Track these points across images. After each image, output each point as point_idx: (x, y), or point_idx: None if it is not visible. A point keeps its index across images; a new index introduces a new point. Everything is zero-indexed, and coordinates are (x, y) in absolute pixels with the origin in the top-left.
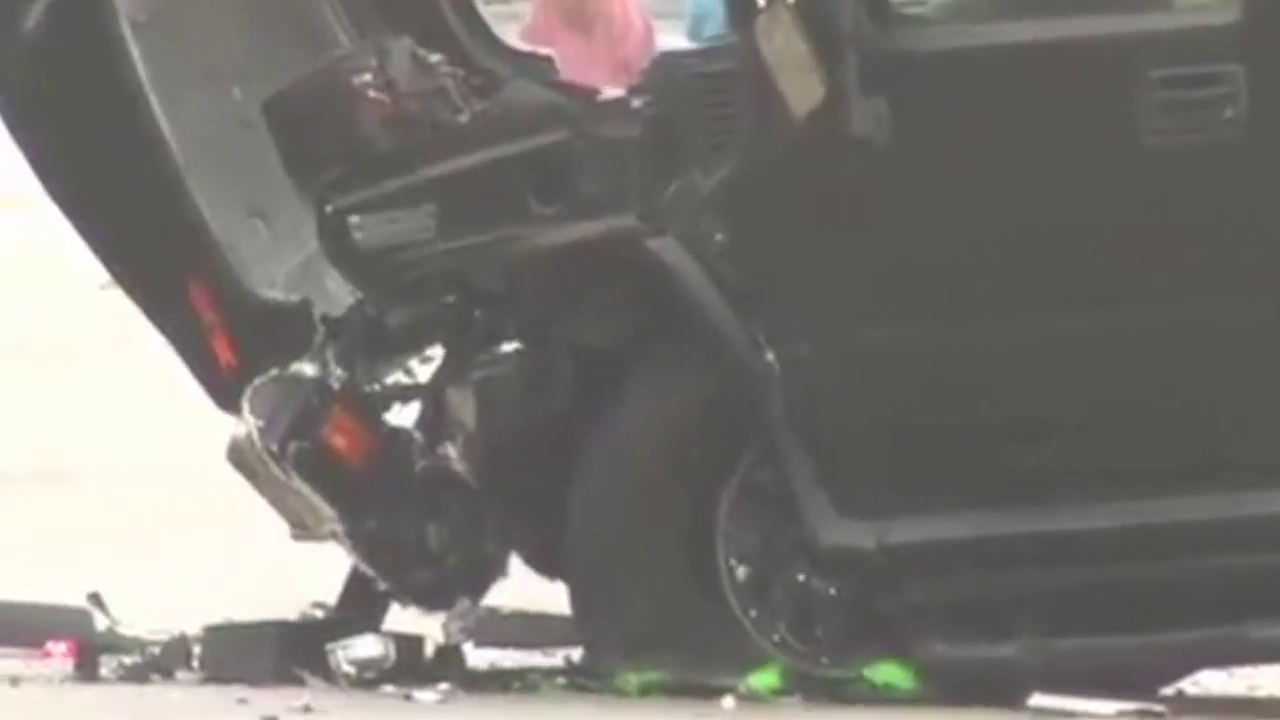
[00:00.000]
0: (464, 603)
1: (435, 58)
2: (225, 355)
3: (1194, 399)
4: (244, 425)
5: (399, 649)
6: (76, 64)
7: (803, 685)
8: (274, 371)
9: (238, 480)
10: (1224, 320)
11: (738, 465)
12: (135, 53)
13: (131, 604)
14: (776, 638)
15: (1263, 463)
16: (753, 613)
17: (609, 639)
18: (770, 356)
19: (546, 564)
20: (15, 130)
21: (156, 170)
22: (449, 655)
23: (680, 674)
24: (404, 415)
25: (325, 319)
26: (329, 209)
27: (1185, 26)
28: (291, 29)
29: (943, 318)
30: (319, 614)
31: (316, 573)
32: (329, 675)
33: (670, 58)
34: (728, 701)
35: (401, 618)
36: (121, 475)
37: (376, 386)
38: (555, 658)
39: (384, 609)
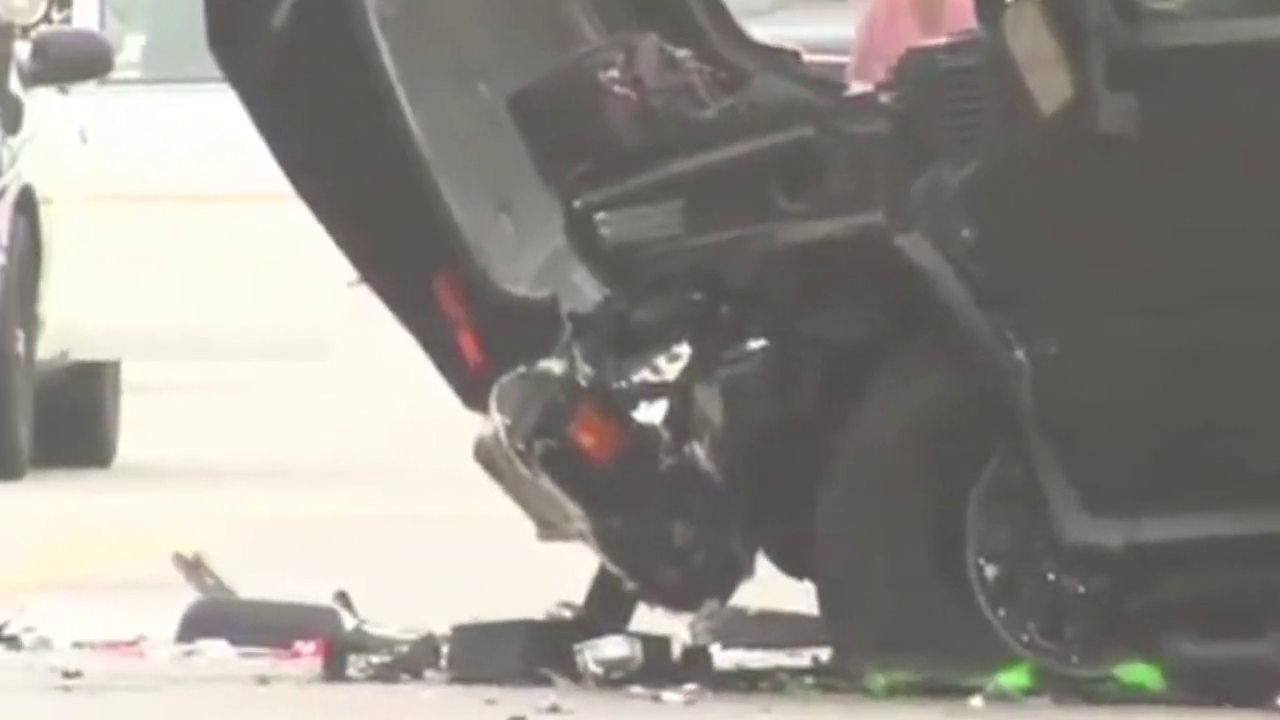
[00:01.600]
0: (711, 603)
1: (682, 53)
2: (472, 352)
3: None
4: (490, 423)
5: (646, 649)
6: (325, 61)
7: (1052, 685)
8: (521, 369)
9: (484, 479)
10: None
11: (986, 463)
12: (383, 49)
13: (379, 603)
14: (1025, 637)
15: None
16: (1001, 612)
17: (857, 639)
18: (1019, 353)
19: (794, 564)
20: (264, 128)
21: (404, 167)
22: (696, 656)
23: (928, 674)
24: (651, 413)
25: (572, 315)
26: (576, 205)
27: None
28: (539, 25)
29: (1192, 314)
30: (566, 614)
31: (563, 572)
32: (576, 675)
33: (918, 53)
34: (976, 701)
35: (649, 618)
36: (367, 473)
37: (623, 384)
38: (802, 658)
39: (631, 609)
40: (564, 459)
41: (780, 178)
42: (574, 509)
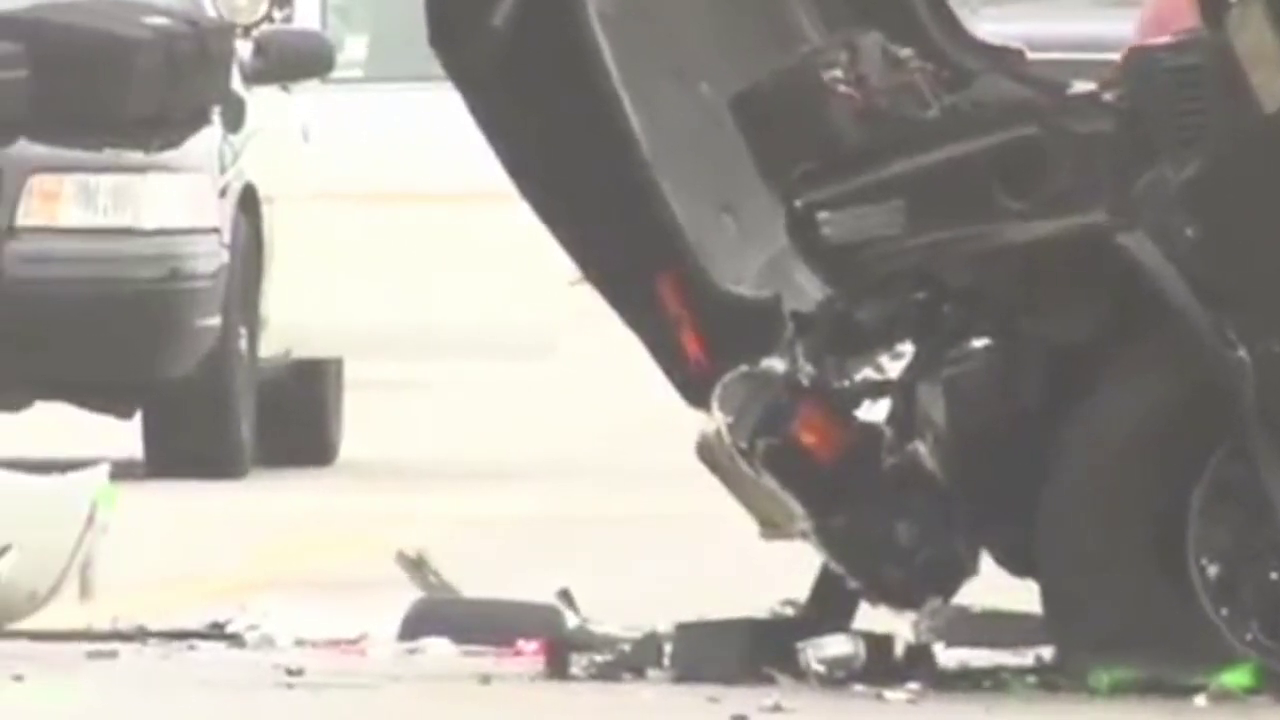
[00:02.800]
0: (934, 601)
1: (905, 52)
2: (694, 351)
3: None
4: (713, 422)
5: (869, 648)
6: (546, 60)
7: (1275, 685)
8: (743, 368)
9: (707, 477)
10: None
11: (1209, 462)
12: (605, 48)
13: (602, 601)
14: (1249, 636)
15: None
16: (1224, 611)
17: (1080, 637)
18: (1241, 352)
19: (1017, 562)
20: (486, 128)
21: (627, 167)
22: (919, 654)
23: (1152, 672)
24: (873, 412)
25: (795, 315)
26: (798, 204)
27: None
28: (761, 24)
29: None
30: (789, 612)
31: (786, 570)
32: (799, 674)
33: (1141, 51)
34: (1200, 700)
35: (871, 616)
36: (590, 471)
37: (846, 383)
38: (1026, 657)
39: (853, 607)
40: (786, 458)
41: (1003, 177)
42: (796, 507)
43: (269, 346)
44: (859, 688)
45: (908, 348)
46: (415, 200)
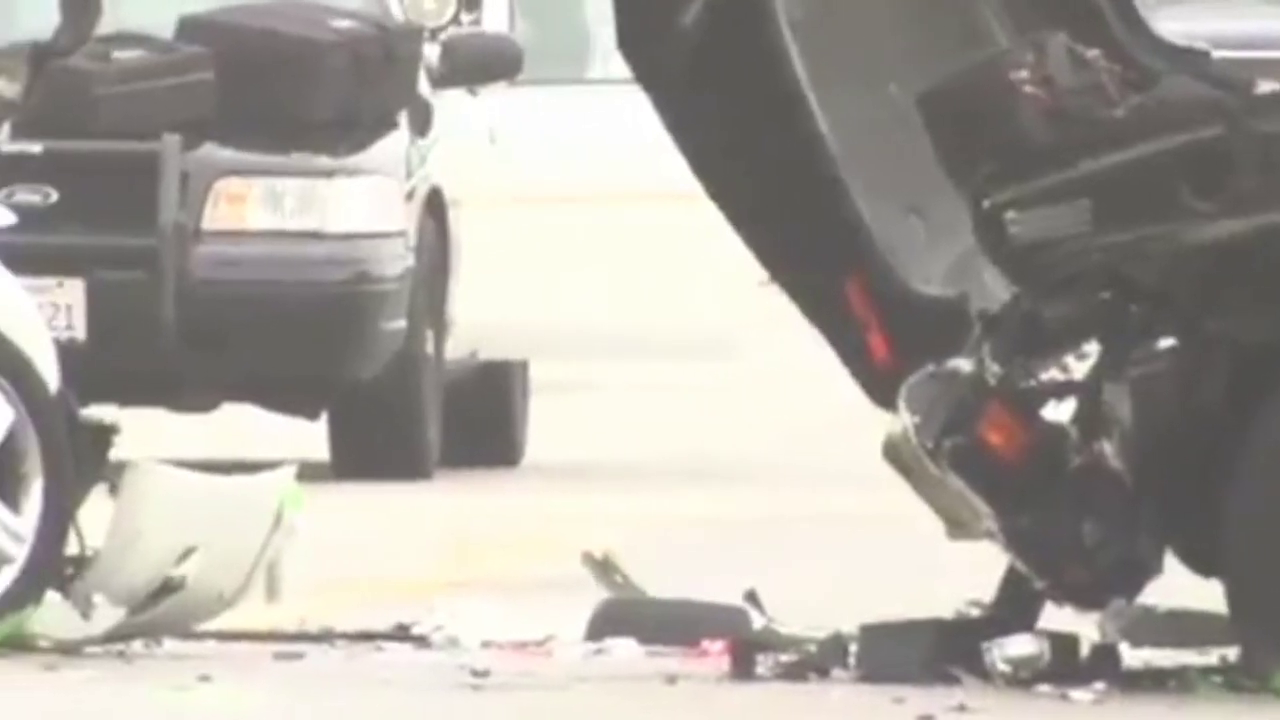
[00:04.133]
0: (1119, 601)
1: (1092, 53)
2: (880, 352)
3: None
4: (899, 422)
5: (1054, 648)
6: (734, 62)
7: None
8: (930, 368)
9: (893, 477)
10: None
11: None
12: (793, 50)
13: (787, 602)
14: None
15: None
16: None
17: (1265, 637)
18: None
19: (1202, 561)
20: (673, 129)
21: (815, 168)
22: (1104, 654)
23: None
24: (1059, 411)
25: (982, 315)
26: (985, 204)
27: None
28: (949, 26)
29: None
30: (974, 612)
31: (971, 570)
32: (984, 674)
33: None
34: None
35: (1057, 616)
36: (775, 472)
37: (1032, 382)
38: (1211, 657)
39: (1039, 607)
40: (972, 457)
41: (1190, 176)
42: (982, 507)
43: (455, 348)
44: (1044, 688)
45: (1094, 347)
46: (602, 201)
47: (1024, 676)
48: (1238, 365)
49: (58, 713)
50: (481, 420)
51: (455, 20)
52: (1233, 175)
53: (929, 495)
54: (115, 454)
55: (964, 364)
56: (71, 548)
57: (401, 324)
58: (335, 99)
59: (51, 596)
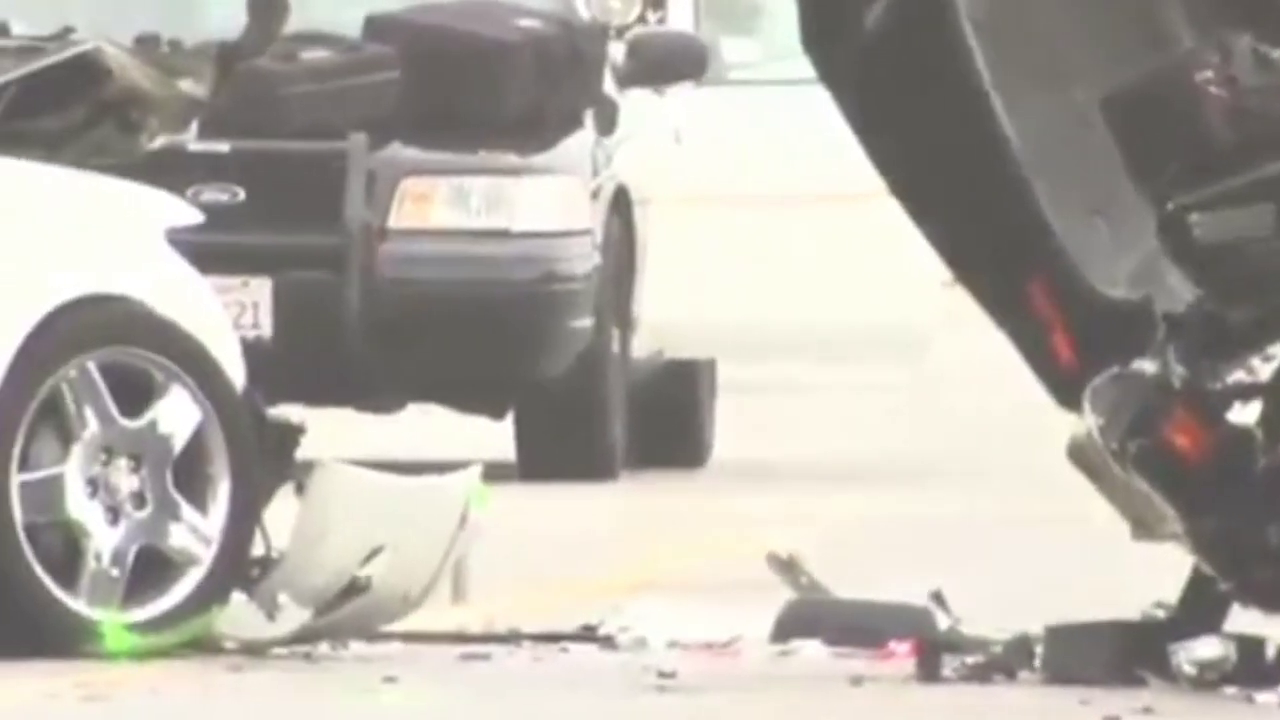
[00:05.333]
0: None
1: (1277, 54)
2: (1065, 353)
3: None
4: (1084, 424)
5: (1240, 650)
6: (918, 62)
7: None
8: (1114, 369)
9: (1078, 479)
10: None
11: None
12: (976, 51)
13: (973, 603)
14: None
15: None
16: None
17: None
18: None
19: None
20: (858, 128)
21: (998, 170)
22: None
23: None
24: (1245, 414)
25: (1166, 317)
26: (1169, 206)
27: None
28: (1132, 27)
29: None
30: (1160, 614)
31: (1157, 572)
32: (1170, 676)
33: None
34: None
35: (1243, 618)
36: (962, 473)
37: (1217, 385)
38: None
39: (1225, 609)
40: (1158, 459)
41: None
42: (1167, 509)
43: (641, 347)
44: (1230, 690)
45: (1279, 349)
46: (789, 201)
47: (1210, 679)
48: None
49: (244, 715)
50: (668, 420)
51: (641, 19)
52: None
53: (1114, 497)
54: (301, 454)
55: (1149, 366)
56: (257, 548)
57: (588, 323)
58: (521, 98)
59: (237, 597)
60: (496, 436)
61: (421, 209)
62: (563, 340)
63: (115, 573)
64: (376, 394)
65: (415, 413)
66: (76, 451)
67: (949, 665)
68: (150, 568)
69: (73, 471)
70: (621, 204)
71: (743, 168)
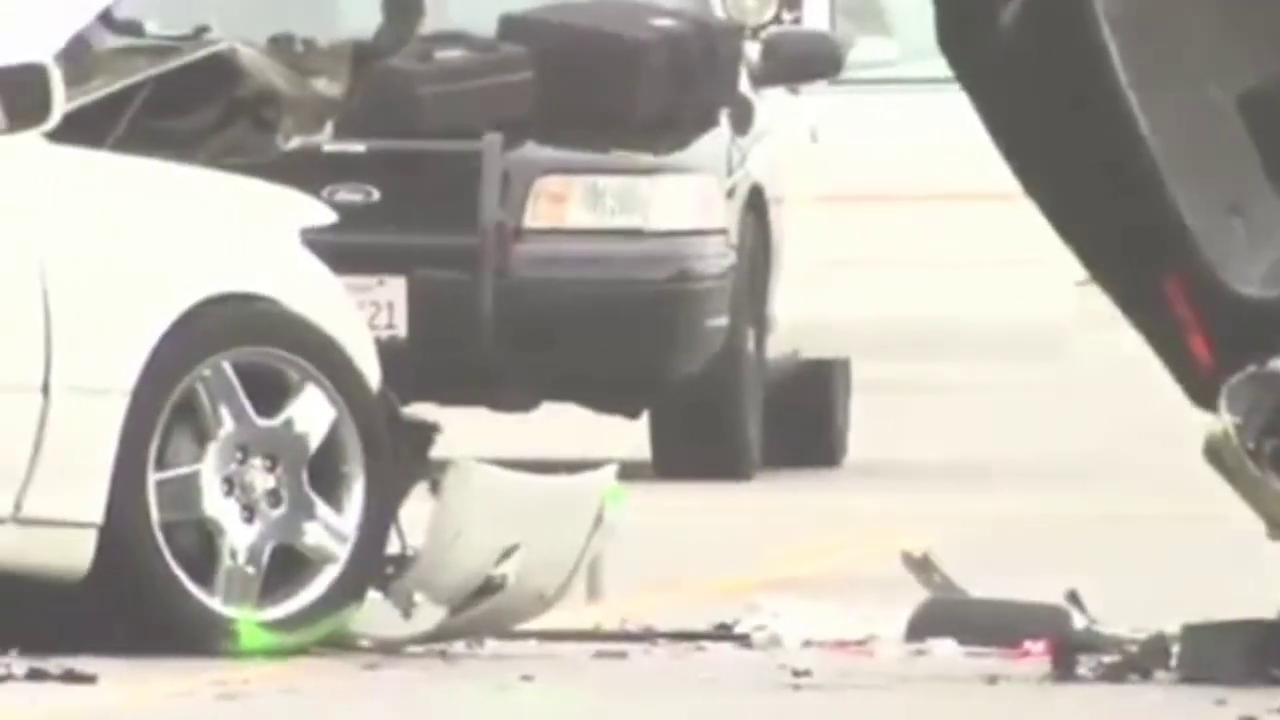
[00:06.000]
0: None
1: None
2: (1201, 353)
3: None
4: (1220, 423)
5: None
6: (1054, 60)
7: None
8: (1251, 369)
9: (1214, 478)
10: None
11: None
12: (1112, 49)
13: (1109, 602)
14: None
15: None
16: None
17: None
18: None
19: None
20: (992, 127)
21: (1135, 167)
22: None
23: None
24: None
25: None
26: None
27: None
28: (1269, 24)
29: None
30: None
31: None
32: None
33: None
34: None
35: None
36: (1098, 471)
37: None
38: None
39: None
40: None
41: None
42: None
43: (777, 347)
44: None
45: None
46: (922, 200)
47: None
48: None
49: (379, 713)
50: (803, 419)
51: (776, 18)
52: None
53: (1250, 496)
54: (436, 453)
55: None
56: (393, 547)
57: (723, 322)
58: (656, 97)
59: (373, 596)
60: (632, 436)
61: (556, 208)
62: (697, 339)
63: (251, 571)
64: (511, 393)
65: (549, 411)
66: (212, 450)
67: (1084, 665)
68: (285, 566)
69: (209, 470)
70: (756, 203)
71: (878, 166)
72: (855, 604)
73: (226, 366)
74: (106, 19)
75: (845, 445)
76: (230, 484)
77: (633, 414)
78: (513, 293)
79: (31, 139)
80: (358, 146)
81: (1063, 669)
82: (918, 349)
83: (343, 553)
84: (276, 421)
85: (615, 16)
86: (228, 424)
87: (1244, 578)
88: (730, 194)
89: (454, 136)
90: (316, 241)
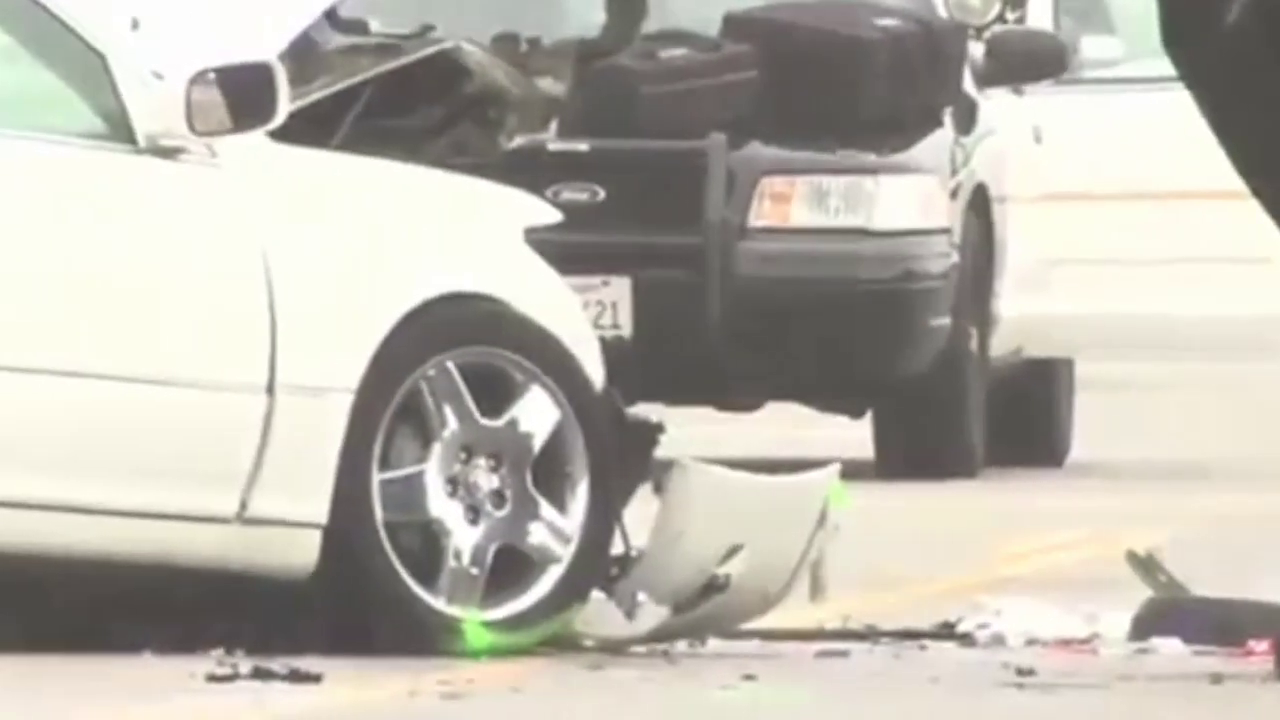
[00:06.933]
0: None
1: None
2: None
3: None
4: None
5: None
6: (1277, 59)
7: None
8: None
9: None
10: None
11: None
12: None
13: None
14: None
15: None
16: None
17: None
18: None
19: None
20: (1217, 126)
21: None
22: None
23: None
24: None
25: None
26: None
27: None
28: None
29: None
30: None
31: None
32: None
33: None
34: None
35: None
36: None
37: None
38: None
39: None
40: None
41: None
42: None
43: (1000, 346)
44: None
45: None
46: (1145, 199)
47: None
48: None
49: (603, 712)
50: (1026, 418)
51: (1000, 18)
52: None
53: None
54: (660, 453)
55: None
56: (617, 547)
57: (946, 321)
58: (880, 97)
59: (596, 596)
60: (856, 435)
61: (780, 208)
62: (921, 339)
63: (475, 571)
64: (736, 393)
65: (773, 410)
66: (437, 450)
67: None
68: (509, 566)
69: (433, 470)
70: (980, 203)
71: (1102, 166)
72: (1079, 603)
73: (451, 367)
74: (331, 18)
75: (1069, 444)
76: (455, 484)
77: (857, 413)
78: (737, 292)
79: (257, 138)
80: (582, 146)
81: None
82: (1141, 347)
83: (566, 553)
84: (501, 422)
85: (840, 16)
86: (452, 424)
87: None
88: (954, 194)
89: (678, 136)
90: (541, 241)
